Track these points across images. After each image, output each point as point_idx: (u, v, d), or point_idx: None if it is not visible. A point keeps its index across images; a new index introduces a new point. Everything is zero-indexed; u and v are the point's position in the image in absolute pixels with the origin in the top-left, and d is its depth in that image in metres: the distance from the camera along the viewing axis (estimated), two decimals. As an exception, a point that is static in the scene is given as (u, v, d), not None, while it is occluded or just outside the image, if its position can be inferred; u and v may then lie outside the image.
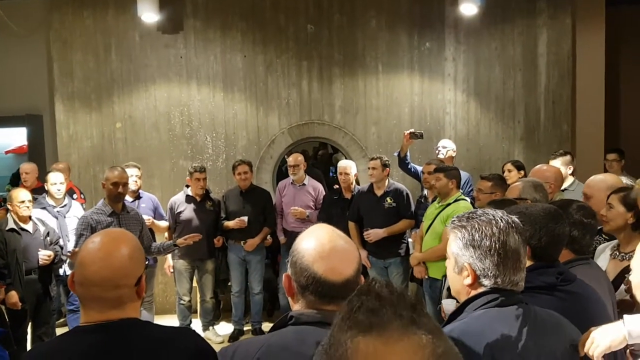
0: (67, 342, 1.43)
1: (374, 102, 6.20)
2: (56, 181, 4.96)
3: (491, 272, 1.47)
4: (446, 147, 5.41)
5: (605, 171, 5.28)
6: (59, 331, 4.66)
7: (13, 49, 6.32)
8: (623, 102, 7.10)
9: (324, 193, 5.45)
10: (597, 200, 2.85)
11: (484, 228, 1.48)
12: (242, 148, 6.14)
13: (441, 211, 4.22)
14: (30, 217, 4.42)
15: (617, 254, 2.59)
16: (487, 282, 1.49)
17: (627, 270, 2.23)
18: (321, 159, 7.27)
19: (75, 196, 5.50)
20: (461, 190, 4.44)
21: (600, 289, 2.01)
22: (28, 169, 5.71)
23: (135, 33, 6.08)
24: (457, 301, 1.64)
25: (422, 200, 4.91)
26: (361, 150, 6.15)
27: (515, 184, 3.18)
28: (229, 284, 5.48)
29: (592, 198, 2.92)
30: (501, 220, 1.49)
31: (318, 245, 1.33)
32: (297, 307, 1.36)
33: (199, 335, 1.54)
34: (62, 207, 5.01)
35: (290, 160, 5.43)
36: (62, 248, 4.65)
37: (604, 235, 2.85)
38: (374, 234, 4.77)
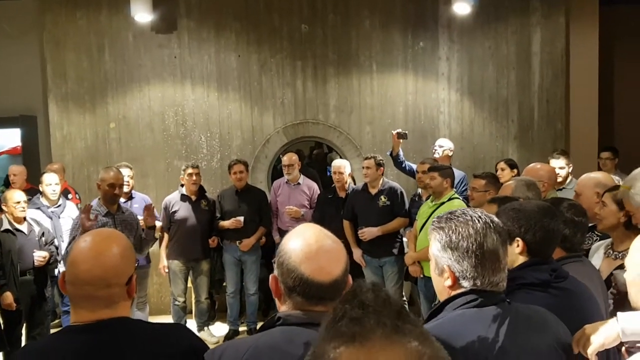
0: (59, 341, 1.43)
1: (369, 101, 6.21)
2: (51, 182, 4.95)
3: (470, 274, 1.46)
4: (442, 147, 5.42)
5: (599, 169, 5.31)
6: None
7: (6, 50, 6.29)
8: (617, 101, 7.13)
9: (319, 192, 5.45)
10: (585, 197, 2.88)
11: (461, 229, 1.46)
12: (236, 148, 6.14)
13: (435, 210, 4.23)
14: (25, 218, 4.40)
15: (611, 252, 2.59)
16: (466, 284, 1.48)
17: (621, 268, 2.25)
18: (316, 158, 7.27)
19: (70, 196, 5.49)
20: (455, 189, 4.46)
21: (592, 286, 2.02)
22: (16, 170, 5.70)
23: (129, 33, 6.07)
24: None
25: (416, 199, 4.93)
26: (356, 149, 6.16)
27: (508, 182, 3.20)
28: (224, 284, 5.47)
29: (581, 195, 2.94)
30: (478, 220, 1.47)
31: (305, 245, 1.31)
32: (284, 308, 1.35)
33: (192, 332, 1.54)
34: (57, 207, 5.01)
35: (285, 159, 5.43)
36: (57, 248, 4.64)
37: (596, 233, 2.87)
38: (369, 232, 4.78)
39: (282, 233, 5.32)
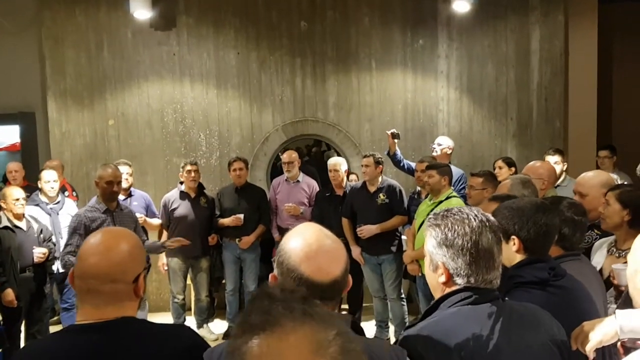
0: (62, 340, 1.43)
1: (368, 99, 6.22)
2: (50, 179, 4.94)
3: (464, 271, 1.48)
4: (441, 145, 5.42)
5: (597, 168, 5.32)
6: (53, 329, 4.65)
7: (5, 47, 6.27)
8: (615, 99, 7.14)
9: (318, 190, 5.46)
10: (592, 197, 2.86)
11: (456, 227, 1.48)
12: (235, 145, 6.14)
13: (433, 208, 4.24)
14: (23, 215, 4.40)
15: (614, 250, 2.60)
16: (460, 281, 1.49)
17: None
18: (314, 156, 7.28)
19: (67, 193, 5.49)
20: (453, 187, 4.47)
21: (590, 285, 2.03)
22: (16, 167, 5.71)
23: (128, 30, 6.05)
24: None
25: (415, 197, 4.94)
26: (355, 147, 6.17)
27: (504, 181, 3.21)
28: (223, 281, 5.47)
29: (588, 196, 2.93)
30: (474, 219, 1.49)
31: (305, 245, 1.31)
32: None
33: (194, 332, 1.54)
34: (56, 204, 5.00)
35: (285, 157, 5.44)
36: (55, 245, 4.64)
37: (595, 231, 2.88)
38: (367, 230, 4.79)
39: (282, 231, 5.32)
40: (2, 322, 4.20)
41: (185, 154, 6.07)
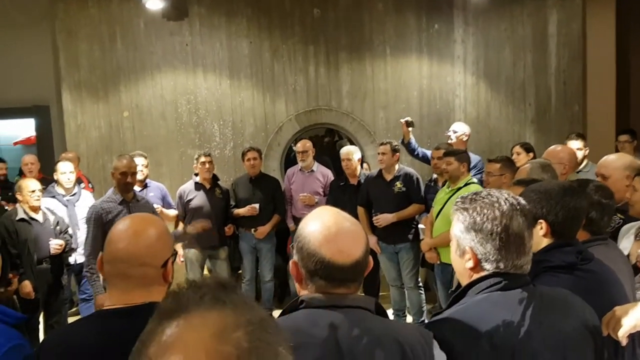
0: (90, 325, 1.44)
1: (382, 86, 6.15)
2: (66, 170, 4.95)
3: (493, 257, 1.43)
4: (457, 132, 5.32)
5: (617, 152, 5.21)
6: (71, 320, 4.68)
7: (19, 40, 6.29)
8: (634, 82, 6.97)
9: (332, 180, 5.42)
10: (615, 179, 2.81)
11: (486, 211, 1.43)
12: (249, 135, 6.11)
13: (452, 196, 4.18)
14: (39, 207, 4.41)
15: (642, 235, 2.53)
16: (488, 267, 1.45)
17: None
18: (327, 146, 7.22)
19: (82, 185, 5.50)
20: (472, 173, 4.40)
21: (618, 269, 1.98)
22: (31, 159, 5.73)
23: (140, 21, 6.04)
24: None
25: (432, 185, 4.87)
26: (369, 135, 6.10)
27: (524, 166, 3.15)
28: (239, 271, 5.46)
29: (611, 178, 2.87)
30: (505, 202, 1.44)
31: (324, 228, 1.29)
32: (305, 292, 1.33)
33: None
34: (72, 195, 5.01)
35: (299, 146, 5.39)
36: (71, 237, 4.66)
37: (619, 215, 2.80)
38: (384, 219, 4.73)
39: (297, 221, 5.29)
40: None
41: (199, 145, 6.06)
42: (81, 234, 4.56)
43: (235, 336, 0.68)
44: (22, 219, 4.25)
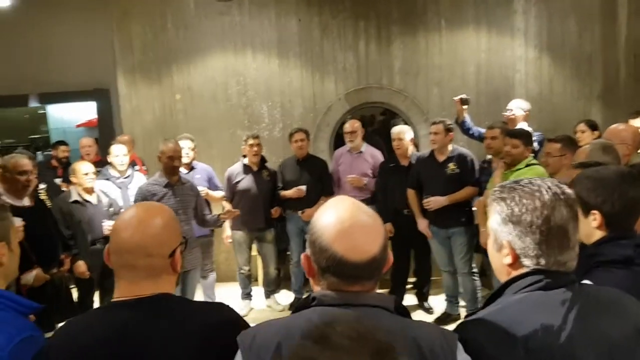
0: (97, 317, 1.41)
1: (437, 62, 5.86)
2: (119, 153, 5.07)
3: (533, 252, 1.29)
4: (512, 110, 4.98)
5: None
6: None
7: (81, 24, 6.45)
8: None
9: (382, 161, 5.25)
10: None
11: (525, 201, 1.29)
12: (298, 116, 6.02)
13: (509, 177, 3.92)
14: (93, 189, 4.53)
15: None
16: (528, 263, 1.31)
17: None
18: (381, 125, 7.02)
19: (137, 167, 5.62)
20: (532, 154, 4.08)
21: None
22: (89, 142, 5.92)
23: (191, 1, 6.03)
24: None
25: (486, 166, 4.60)
26: (422, 114, 5.86)
27: (583, 147, 2.88)
28: (288, 253, 5.44)
29: None
30: (547, 191, 1.29)
31: (337, 222, 1.19)
32: (318, 288, 1.26)
33: (232, 310, 1.47)
34: (126, 178, 5.13)
35: (347, 127, 5.25)
36: (124, 218, 4.76)
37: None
38: (435, 202, 4.53)
39: (345, 203, 5.17)
40: (76, 294, 4.39)
41: (248, 127, 6.04)
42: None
43: None
44: (76, 201, 4.38)
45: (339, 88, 5.96)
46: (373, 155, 5.26)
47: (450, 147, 4.61)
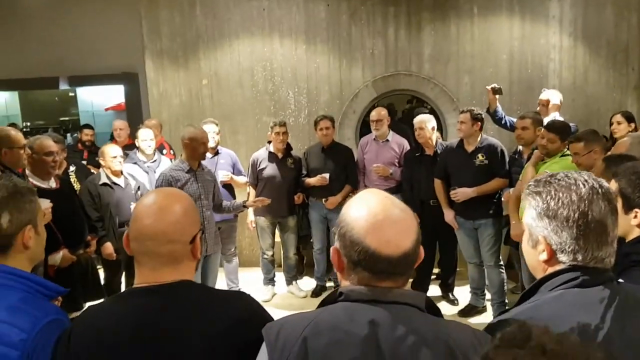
0: (118, 304, 1.41)
1: (468, 49, 5.73)
2: (146, 137, 5.11)
3: (569, 247, 1.26)
4: (541, 99, 4.83)
5: None
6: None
7: (110, 8, 6.48)
8: None
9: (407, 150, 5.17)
10: None
11: (561, 195, 1.25)
12: (324, 103, 5.97)
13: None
14: (121, 172, 4.58)
15: None
16: (564, 259, 1.28)
17: None
18: (408, 113, 6.91)
19: (164, 152, 5.66)
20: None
21: None
22: (122, 125, 5.98)
23: (218, -15, 6.00)
24: None
25: (516, 157, 4.49)
26: (452, 102, 5.75)
27: (623, 139, 2.77)
28: (311, 240, 5.43)
29: None
30: (584, 185, 1.25)
31: (370, 215, 1.17)
32: (347, 283, 1.23)
33: (254, 301, 1.46)
34: (153, 162, 5.18)
35: (373, 115, 5.18)
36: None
37: None
38: (462, 193, 4.45)
39: (370, 191, 5.12)
40: (103, 275, 4.45)
41: (274, 113, 6.02)
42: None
43: None
44: (104, 184, 4.43)
45: (366, 75, 5.88)
46: (399, 143, 5.18)
47: (479, 137, 4.51)
